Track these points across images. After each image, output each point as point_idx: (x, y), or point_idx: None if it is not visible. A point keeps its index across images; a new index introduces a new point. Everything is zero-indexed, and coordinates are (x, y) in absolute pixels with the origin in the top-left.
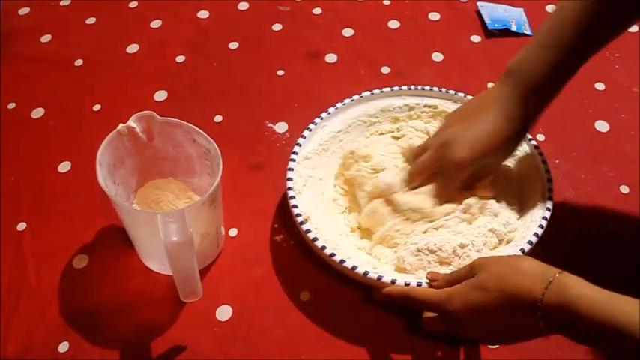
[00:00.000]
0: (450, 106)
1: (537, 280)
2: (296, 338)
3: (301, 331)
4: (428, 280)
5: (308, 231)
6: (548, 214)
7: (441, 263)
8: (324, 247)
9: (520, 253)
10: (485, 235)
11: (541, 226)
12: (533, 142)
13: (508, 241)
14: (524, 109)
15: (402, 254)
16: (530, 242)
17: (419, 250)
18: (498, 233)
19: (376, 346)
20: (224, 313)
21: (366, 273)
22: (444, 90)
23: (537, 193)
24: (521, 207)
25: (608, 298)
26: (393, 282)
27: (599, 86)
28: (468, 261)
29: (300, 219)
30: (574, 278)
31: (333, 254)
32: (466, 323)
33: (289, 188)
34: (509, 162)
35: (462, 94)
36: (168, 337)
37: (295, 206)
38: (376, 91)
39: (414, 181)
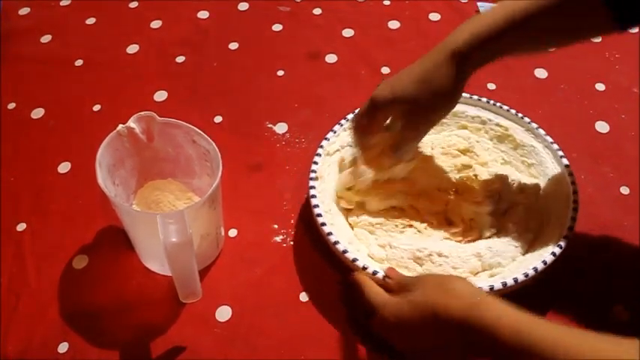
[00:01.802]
0: (520, 133)
1: (463, 301)
2: (296, 338)
3: (301, 332)
4: (384, 274)
5: (330, 234)
6: (549, 259)
7: (415, 260)
8: (345, 251)
9: (488, 288)
10: (468, 258)
11: (526, 275)
12: (565, 161)
13: (492, 275)
14: (447, 65)
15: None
16: (503, 284)
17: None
18: (484, 261)
19: (374, 347)
20: (224, 313)
21: (375, 272)
22: (519, 115)
23: (556, 228)
24: (536, 238)
25: (528, 323)
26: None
27: (599, 87)
28: (440, 270)
29: (320, 219)
30: (498, 302)
31: (355, 259)
32: (395, 333)
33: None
34: (540, 181)
35: (534, 125)
36: (168, 338)
37: (314, 196)
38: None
39: (360, 140)
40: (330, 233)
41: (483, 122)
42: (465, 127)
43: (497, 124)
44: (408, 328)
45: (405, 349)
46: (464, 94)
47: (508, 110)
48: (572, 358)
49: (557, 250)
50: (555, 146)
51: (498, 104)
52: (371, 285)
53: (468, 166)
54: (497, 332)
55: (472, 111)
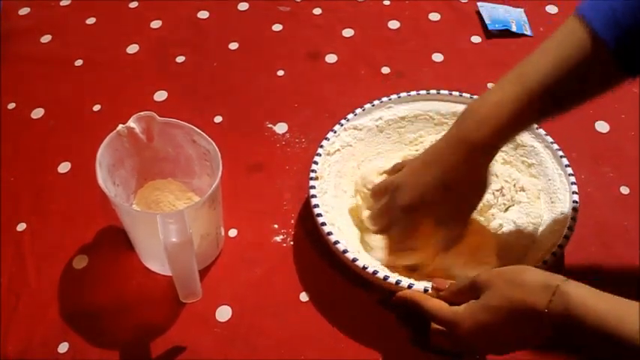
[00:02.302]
0: (529, 140)
1: (540, 292)
2: (296, 338)
3: (301, 332)
4: (434, 287)
5: (330, 233)
6: (549, 259)
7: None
8: (345, 251)
9: None
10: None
11: None
12: (565, 161)
13: None
14: (468, 161)
15: None
16: None
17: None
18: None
19: (376, 347)
20: (224, 313)
21: (386, 277)
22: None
23: (556, 227)
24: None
25: (612, 308)
26: (410, 286)
27: None
28: None
29: (321, 219)
30: (577, 287)
31: (355, 259)
32: (476, 343)
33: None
34: (540, 181)
35: (534, 125)
36: (168, 338)
37: (315, 196)
38: (456, 93)
39: (375, 226)
40: (330, 233)
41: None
42: None
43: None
44: (492, 334)
45: (490, 352)
46: (465, 95)
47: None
48: None
49: (558, 250)
50: (555, 146)
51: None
52: (425, 299)
53: None
54: (583, 320)
55: None
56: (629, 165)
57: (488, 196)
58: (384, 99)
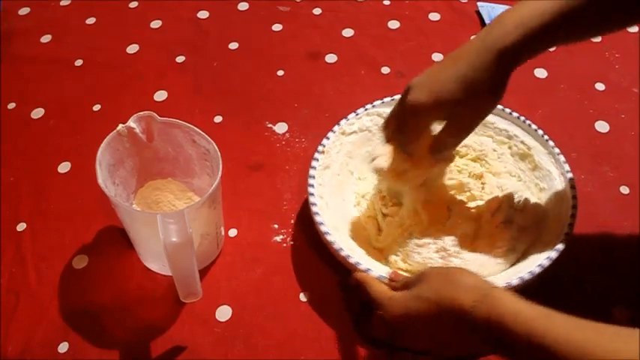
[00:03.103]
0: (542, 156)
1: (470, 293)
2: (296, 338)
3: (301, 332)
4: (389, 278)
5: (327, 233)
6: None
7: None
8: (340, 250)
9: None
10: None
11: (522, 279)
12: (570, 175)
13: None
14: (494, 64)
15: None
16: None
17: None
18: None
19: (376, 347)
20: (224, 313)
21: (380, 277)
22: (545, 137)
23: (547, 249)
24: (524, 256)
25: (537, 315)
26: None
27: (599, 86)
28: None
29: (318, 218)
30: (507, 294)
31: (356, 261)
32: (403, 331)
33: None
34: (542, 199)
35: (557, 150)
36: (168, 338)
37: (312, 194)
38: (507, 109)
39: (385, 129)
40: (327, 233)
41: (510, 137)
42: (490, 137)
43: (522, 142)
44: (415, 323)
45: (412, 344)
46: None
47: (536, 130)
48: (586, 358)
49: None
50: (570, 175)
51: (528, 122)
52: (375, 283)
53: (479, 175)
54: (507, 327)
55: (502, 124)
56: (629, 165)
57: (481, 207)
58: None
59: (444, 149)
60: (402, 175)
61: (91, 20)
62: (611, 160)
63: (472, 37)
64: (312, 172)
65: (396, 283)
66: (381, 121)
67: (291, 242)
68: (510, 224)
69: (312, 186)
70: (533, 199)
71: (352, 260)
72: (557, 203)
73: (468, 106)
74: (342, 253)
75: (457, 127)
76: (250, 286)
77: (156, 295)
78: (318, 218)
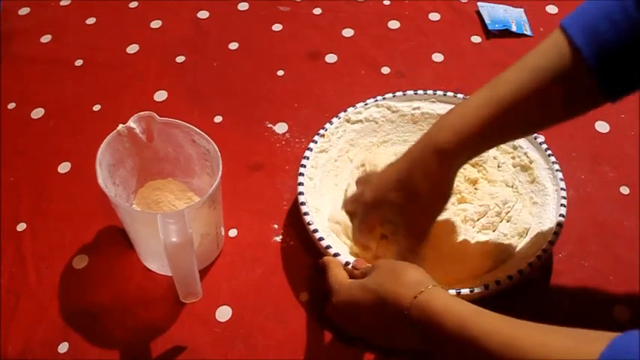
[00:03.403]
0: (541, 170)
1: (410, 288)
2: (296, 338)
3: (301, 332)
4: (353, 265)
5: (315, 231)
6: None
7: None
8: (328, 247)
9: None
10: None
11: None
12: (563, 210)
13: None
14: (434, 168)
15: None
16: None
17: None
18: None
19: (376, 346)
20: (224, 313)
21: (347, 263)
22: (548, 152)
23: (521, 263)
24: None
25: (470, 312)
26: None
27: None
28: None
29: (308, 218)
30: (444, 293)
31: (347, 261)
32: (346, 317)
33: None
34: (532, 213)
35: (556, 167)
36: (168, 338)
37: (303, 193)
38: (450, 94)
39: (346, 208)
40: (315, 230)
41: (514, 147)
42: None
43: (526, 154)
44: (356, 310)
45: (354, 332)
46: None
47: (541, 144)
48: (515, 353)
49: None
50: (563, 193)
51: (534, 134)
52: (335, 268)
53: (474, 181)
54: (442, 323)
55: None
56: (629, 165)
57: (469, 211)
58: (430, 92)
59: (407, 257)
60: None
61: (91, 20)
62: (611, 160)
63: (415, 140)
64: (307, 153)
65: (357, 271)
66: (390, 115)
67: (292, 242)
68: (492, 233)
69: (304, 166)
70: (523, 212)
71: (324, 243)
72: (544, 221)
73: (413, 210)
74: (316, 235)
75: (410, 230)
76: (250, 286)
77: (156, 295)
78: (301, 198)
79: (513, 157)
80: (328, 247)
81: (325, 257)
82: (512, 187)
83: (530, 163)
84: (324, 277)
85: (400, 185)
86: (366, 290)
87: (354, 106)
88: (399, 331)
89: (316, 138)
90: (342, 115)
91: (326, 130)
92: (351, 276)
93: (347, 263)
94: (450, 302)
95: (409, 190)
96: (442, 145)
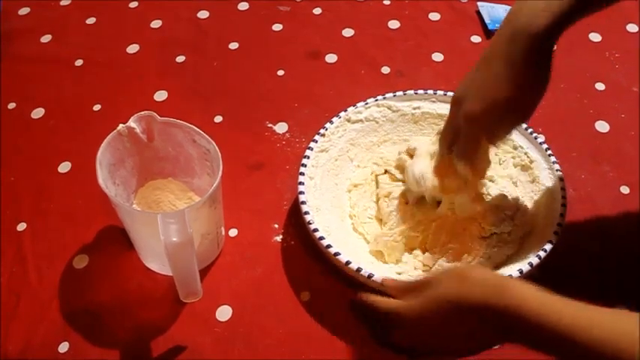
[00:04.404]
0: (542, 170)
1: (484, 287)
2: (296, 338)
3: (301, 331)
4: (383, 283)
5: (316, 230)
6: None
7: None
8: (329, 246)
9: None
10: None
11: None
12: (564, 193)
13: None
14: (532, 52)
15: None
16: None
17: None
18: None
19: (376, 347)
20: (224, 313)
21: (370, 276)
22: (549, 152)
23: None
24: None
25: (551, 304)
26: (369, 276)
27: (599, 86)
28: None
29: (308, 217)
30: (519, 283)
31: (347, 260)
32: (419, 335)
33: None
34: (532, 213)
35: (557, 167)
36: (169, 338)
37: (304, 194)
38: (450, 93)
39: (441, 147)
40: (315, 230)
41: (515, 147)
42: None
43: (526, 154)
44: (431, 327)
45: (432, 349)
46: None
47: (541, 144)
48: (604, 343)
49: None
50: (563, 193)
51: (535, 134)
52: (379, 300)
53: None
54: (520, 316)
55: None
56: (629, 165)
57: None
58: (430, 91)
59: (501, 138)
60: (458, 188)
61: (91, 20)
62: (611, 160)
63: (497, 31)
64: (307, 152)
65: (391, 290)
66: (391, 114)
67: (292, 242)
68: (492, 235)
69: (305, 165)
70: (525, 213)
71: (324, 242)
72: (544, 221)
73: (522, 99)
74: (317, 234)
75: (514, 118)
76: (250, 286)
77: (156, 295)
78: (302, 197)
79: (514, 157)
80: (329, 246)
81: (358, 296)
82: (515, 184)
83: (531, 163)
84: (370, 313)
85: (508, 80)
86: (433, 301)
87: (354, 105)
88: (481, 332)
89: (317, 137)
90: (342, 114)
91: (326, 129)
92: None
93: (348, 262)
94: (528, 293)
95: (519, 82)
96: (540, 28)
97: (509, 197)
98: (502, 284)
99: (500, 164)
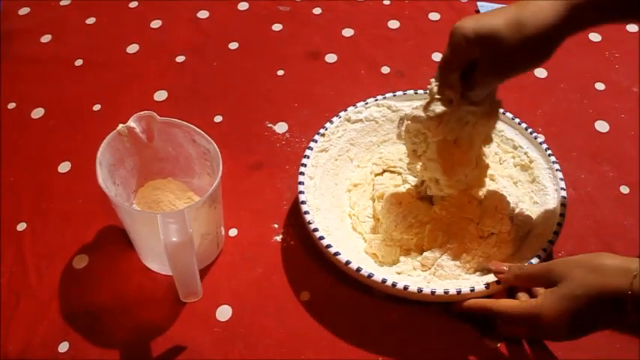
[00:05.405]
0: (541, 170)
1: (621, 276)
2: (296, 338)
3: (301, 331)
4: (493, 270)
5: (315, 230)
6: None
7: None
8: (329, 246)
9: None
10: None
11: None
12: (564, 193)
13: None
14: (550, 12)
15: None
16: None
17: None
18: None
19: (376, 347)
20: (224, 313)
21: (384, 280)
22: (548, 152)
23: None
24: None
25: None
26: (405, 288)
27: (599, 86)
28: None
29: (308, 217)
30: None
31: (347, 260)
32: (561, 331)
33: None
34: (532, 213)
35: (557, 166)
36: (169, 338)
37: (303, 195)
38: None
39: (440, 75)
40: (315, 229)
41: (515, 147)
42: (497, 145)
43: (526, 154)
44: (577, 320)
45: (570, 337)
46: (508, 114)
47: (540, 144)
48: None
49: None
50: (563, 193)
51: (534, 134)
52: (499, 303)
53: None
54: None
55: (509, 133)
56: (629, 165)
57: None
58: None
59: (475, 86)
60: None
61: (91, 20)
62: (611, 160)
63: None
64: (307, 152)
65: (505, 276)
66: (390, 114)
67: (292, 242)
68: (491, 235)
69: (305, 165)
70: (525, 212)
71: (324, 242)
72: (544, 221)
73: (510, 47)
74: (317, 234)
75: (492, 68)
76: (250, 286)
77: (156, 295)
78: (302, 197)
79: (514, 157)
80: (329, 246)
81: (466, 303)
82: (515, 184)
83: (530, 162)
84: (486, 315)
85: (510, 20)
86: (573, 298)
87: (354, 105)
88: (620, 320)
89: (316, 137)
90: (342, 114)
91: (326, 129)
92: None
93: (348, 262)
94: None
95: (518, 28)
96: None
97: (508, 197)
98: (636, 271)
99: (500, 164)
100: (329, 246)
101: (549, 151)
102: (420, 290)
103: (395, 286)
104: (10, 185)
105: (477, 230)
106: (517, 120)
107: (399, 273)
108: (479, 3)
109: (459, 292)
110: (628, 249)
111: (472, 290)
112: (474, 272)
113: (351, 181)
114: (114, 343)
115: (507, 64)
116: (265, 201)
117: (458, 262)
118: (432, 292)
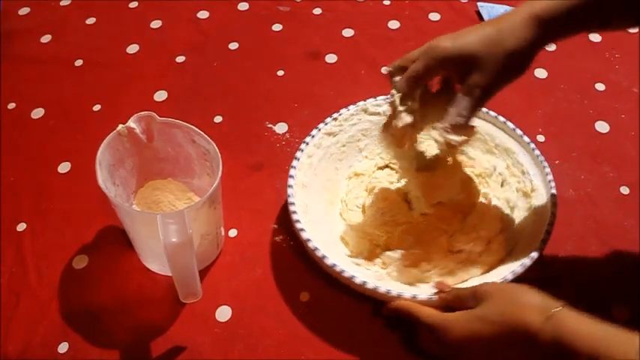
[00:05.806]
0: (542, 197)
1: (536, 314)
2: (296, 339)
3: (301, 332)
4: (436, 287)
5: (302, 230)
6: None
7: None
8: (316, 249)
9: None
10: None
11: None
12: (554, 210)
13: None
14: (524, 28)
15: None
16: None
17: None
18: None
19: (376, 347)
20: (224, 313)
21: (365, 284)
22: (545, 164)
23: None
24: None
25: (605, 335)
26: (390, 293)
27: (599, 86)
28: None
29: (299, 225)
30: (572, 314)
31: (332, 262)
32: (464, 351)
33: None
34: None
35: (548, 170)
36: (168, 338)
37: (293, 202)
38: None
39: (408, 88)
40: (302, 229)
41: (523, 172)
42: (504, 161)
43: (531, 181)
44: (481, 345)
45: None
46: (525, 138)
47: (547, 175)
48: None
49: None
50: (554, 192)
51: (542, 160)
52: (420, 309)
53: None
54: (574, 346)
55: (521, 156)
56: (629, 165)
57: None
58: None
59: (453, 94)
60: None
61: (91, 20)
62: (611, 160)
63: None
64: (313, 132)
65: (445, 295)
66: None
67: (291, 242)
68: (460, 251)
69: (306, 143)
70: (505, 238)
71: (304, 235)
72: (534, 225)
73: (486, 65)
74: (298, 225)
75: (469, 88)
76: (250, 286)
77: (156, 295)
78: (290, 180)
79: (519, 182)
80: (308, 240)
81: (393, 304)
82: (512, 209)
83: (532, 191)
84: (406, 319)
85: (485, 39)
86: (486, 322)
87: (374, 97)
88: (522, 357)
89: (327, 120)
90: (360, 103)
91: (340, 114)
92: (436, 305)
93: (333, 265)
94: (581, 325)
95: (493, 46)
96: (540, 10)
97: (493, 221)
98: (558, 315)
99: (502, 186)
100: (309, 240)
101: (550, 177)
102: (364, 283)
103: (342, 273)
104: (10, 185)
105: (447, 243)
106: (532, 145)
107: (368, 269)
108: (479, 3)
109: (387, 292)
110: (628, 249)
111: (399, 295)
112: (429, 282)
113: (354, 170)
114: (114, 344)
115: (486, 82)
116: (265, 201)
117: (414, 270)
118: (364, 284)
